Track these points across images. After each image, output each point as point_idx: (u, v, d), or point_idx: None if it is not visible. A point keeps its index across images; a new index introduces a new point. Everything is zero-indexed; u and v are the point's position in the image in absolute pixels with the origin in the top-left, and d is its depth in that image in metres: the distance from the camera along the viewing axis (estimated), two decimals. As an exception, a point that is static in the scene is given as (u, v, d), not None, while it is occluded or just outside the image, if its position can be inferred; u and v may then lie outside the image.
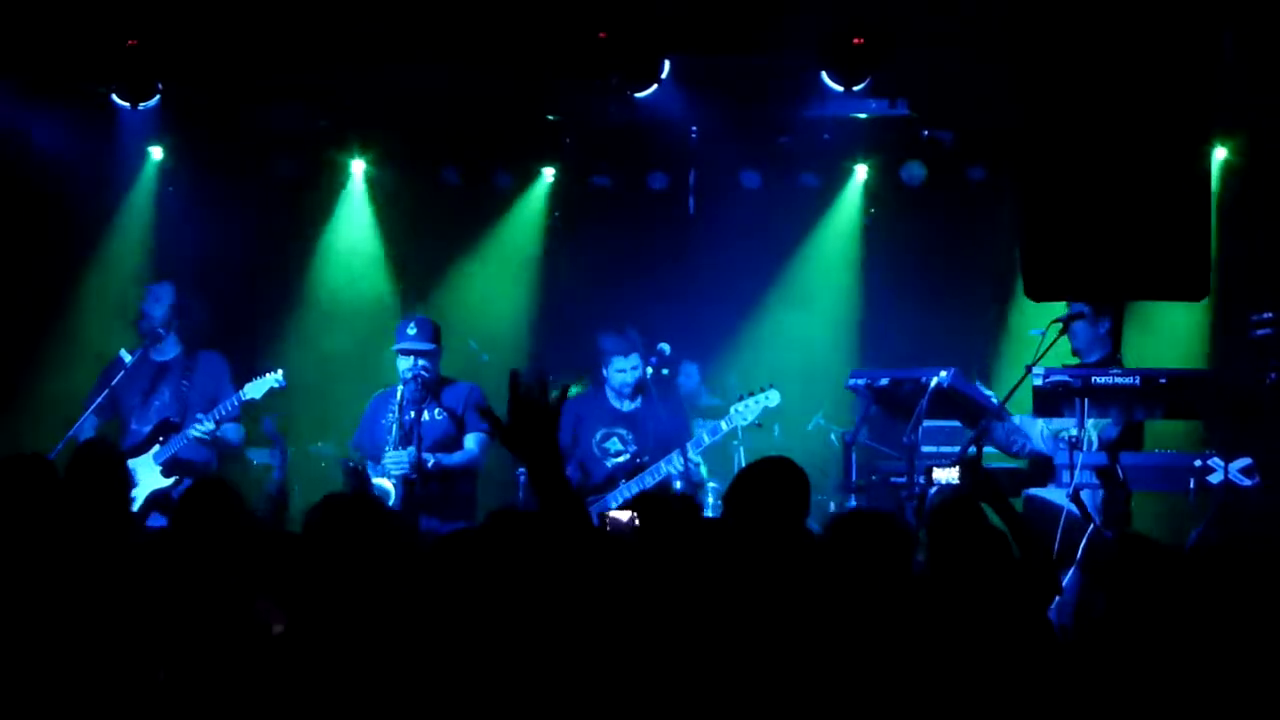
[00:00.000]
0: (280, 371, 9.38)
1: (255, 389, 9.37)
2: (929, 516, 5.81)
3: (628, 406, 9.79)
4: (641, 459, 9.59)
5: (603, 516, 7.54)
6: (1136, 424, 8.82)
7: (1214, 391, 8.53)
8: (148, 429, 9.43)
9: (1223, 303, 10.52)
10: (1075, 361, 9.02)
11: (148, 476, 9.16)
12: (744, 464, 10.28)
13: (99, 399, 9.44)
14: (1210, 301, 10.51)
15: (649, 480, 9.42)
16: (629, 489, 9.38)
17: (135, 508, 8.41)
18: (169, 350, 9.72)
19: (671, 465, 9.44)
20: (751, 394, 9.65)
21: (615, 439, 9.71)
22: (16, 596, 4.98)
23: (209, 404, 9.45)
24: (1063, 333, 8.81)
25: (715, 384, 12.07)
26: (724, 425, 9.64)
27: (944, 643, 4.58)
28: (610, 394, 9.81)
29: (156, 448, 9.30)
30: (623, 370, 9.68)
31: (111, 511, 6.27)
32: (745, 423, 9.63)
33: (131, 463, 8.56)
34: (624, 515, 7.43)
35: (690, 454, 9.47)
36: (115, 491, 6.43)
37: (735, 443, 10.22)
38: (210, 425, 9.29)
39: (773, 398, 9.61)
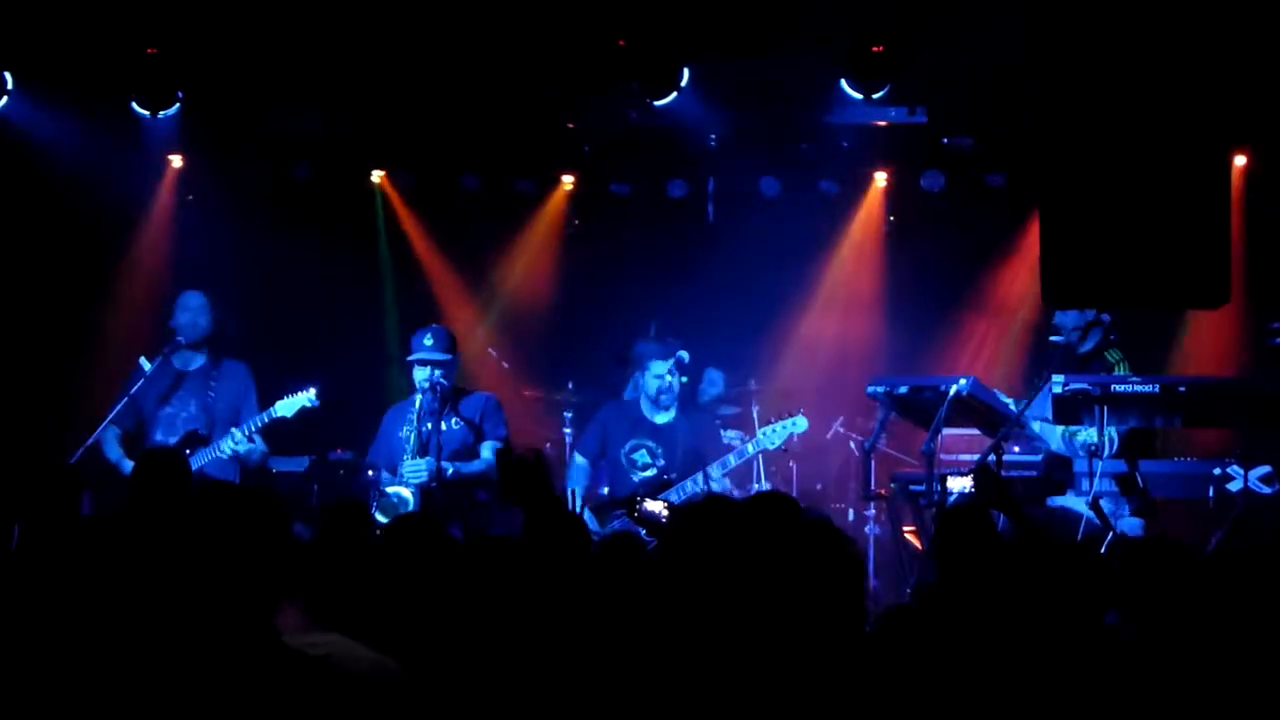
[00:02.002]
0: (313, 390, 9.23)
1: (287, 407, 9.23)
2: (940, 523, 5.81)
3: (661, 419, 9.75)
4: (669, 475, 9.55)
5: (632, 502, 7.50)
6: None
7: (1234, 399, 8.51)
8: (174, 440, 9.40)
9: (1250, 310, 10.51)
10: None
11: (175, 488, 9.09)
12: (764, 474, 10.30)
13: (119, 407, 9.42)
14: (1238, 308, 10.52)
15: (674, 499, 9.34)
16: None
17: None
18: (194, 359, 9.65)
19: (696, 485, 9.40)
20: (779, 418, 9.66)
21: (644, 451, 9.68)
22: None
23: (233, 414, 9.42)
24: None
25: (733, 391, 12.06)
26: (750, 448, 9.65)
27: (957, 649, 4.56)
28: (645, 402, 9.78)
29: (183, 460, 9.29)
30: (659, 376, 9.65)
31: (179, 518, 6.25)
32: (772, 447, 9.64)
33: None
34: (657, 506, 7.42)
35: (714, 474, 9.45)
36: (182, 498, 6.41)
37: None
38: (243, 438, 9.25)
39: (799, 424, 9.63)
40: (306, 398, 9.25)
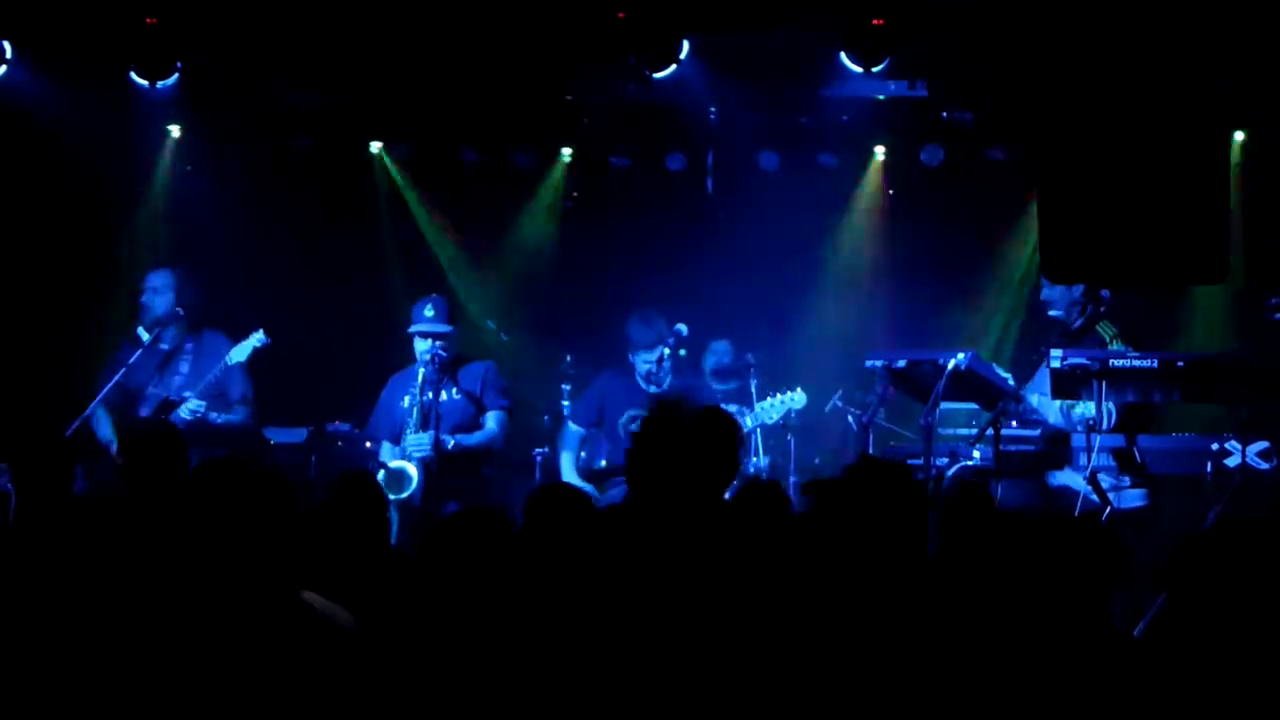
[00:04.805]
0: (260, 331, 9.41)
1: (240, 352, 9.40)
2: (941, 501, 5.81)
3: (655, 389, 9.76)
4: (665, 445, 9.53)
5: None
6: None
7: (1232, 374, 8.51)
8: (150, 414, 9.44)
9: (1253, 285, 10.51)
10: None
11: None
12: (762, 449, 10.31)
13: (107, 388, 9.43)
14: (1242, 284, 10.54)
15: None
16: None
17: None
18: (177, 337, 9.73)
19: None
20: (778, 393, 9.66)
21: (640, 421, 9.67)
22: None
23: (219, 385, 9.45)
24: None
25: (735, 364, 12.05)
26: (749, 422, 9.64)
27: (957, 627, 4.57)
28: (638, 377, 9.81)
29: (159, 427, 9.30)
30: (648, 362, 9.68)
31: (173, 490, 6.23)
32: (770, 421, 9.65)
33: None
34: None
35: None
36: (176, 470, 6.41)
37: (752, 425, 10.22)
38: (198, 404, 9.28)
39: (798, 400, 9.64)
40: (256, 339, 9.39)
